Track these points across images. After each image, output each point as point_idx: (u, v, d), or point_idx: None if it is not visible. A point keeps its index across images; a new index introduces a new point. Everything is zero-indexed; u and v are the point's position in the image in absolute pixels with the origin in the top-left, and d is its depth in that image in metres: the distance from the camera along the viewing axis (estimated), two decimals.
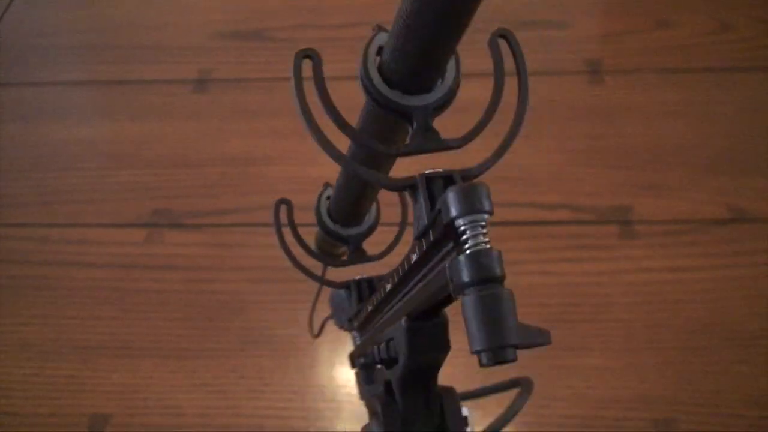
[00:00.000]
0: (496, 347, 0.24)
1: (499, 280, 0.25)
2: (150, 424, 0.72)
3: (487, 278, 0.24)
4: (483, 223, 0.25)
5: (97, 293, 0.82)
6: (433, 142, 0.26)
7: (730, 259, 0.79)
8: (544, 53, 1.00)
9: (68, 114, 1.02)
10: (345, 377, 0.74)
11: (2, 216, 0.90)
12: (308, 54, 0.26)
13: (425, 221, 0.26)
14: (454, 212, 0.24)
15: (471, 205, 0.24)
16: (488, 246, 0.25)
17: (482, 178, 0.26)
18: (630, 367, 0.72)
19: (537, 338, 0.26)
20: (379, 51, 0.26)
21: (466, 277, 0.24)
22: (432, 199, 0.26)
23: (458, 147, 0.27)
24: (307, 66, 0.26)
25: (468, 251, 0.24)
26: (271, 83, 0.99)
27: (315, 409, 0.72)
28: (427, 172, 0.26)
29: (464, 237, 0.25)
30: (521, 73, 0.26)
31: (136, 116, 1.00)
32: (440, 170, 0.26)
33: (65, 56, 1.10)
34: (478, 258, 0.24)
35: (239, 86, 1.01)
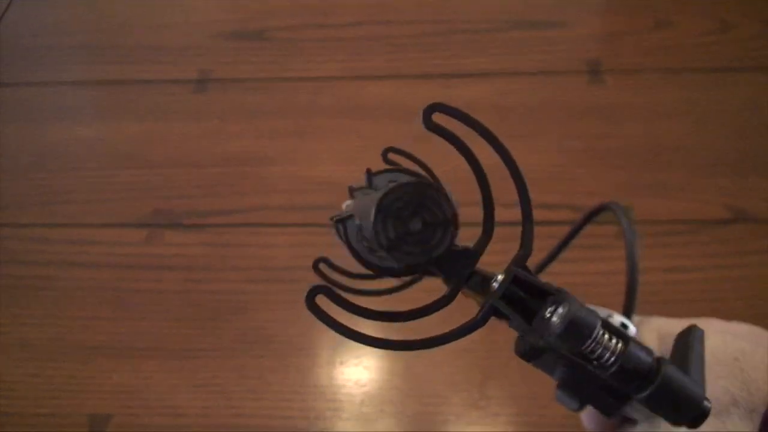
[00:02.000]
0: (696, 414, 0.24)
1: (655, 368, 0.25)
2: (150, 424, 0.72)
3: (645, 375, 0.24)
4: (601, 332, 0.25)
5: (97, 293, 0.82)
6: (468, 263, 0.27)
7: (730, 259, 0.79)
8: (544, 53, 1.00)
9: (68, 114, 1.02)
10: (345, 377, 0.74)
11: (2, 216, 0.90)
12: (320, 291, 0.24)
13: (528, 335, 0.26)
14: (576, 346, 0.24)
15: (582, 334, 0.24)
16: (620, 347, 0.24)
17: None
18: None
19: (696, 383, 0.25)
20: None
21: (627, 388, 0.25)
22: (513, 303, 0.26)
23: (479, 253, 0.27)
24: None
25: (613, 370, 0.24)
26: (271, 83, 0.99)
27: (316, 409, 0.72)
28: (494, 289, 0.26)
29: (594, 356, 0.25)
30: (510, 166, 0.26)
31: (136, 116, 1.00)
32: (498, 281, 0.26)
33: (65, 56, 1.10)
34: (627, 366, 0.24)
35: (239, 86, 1.01)
